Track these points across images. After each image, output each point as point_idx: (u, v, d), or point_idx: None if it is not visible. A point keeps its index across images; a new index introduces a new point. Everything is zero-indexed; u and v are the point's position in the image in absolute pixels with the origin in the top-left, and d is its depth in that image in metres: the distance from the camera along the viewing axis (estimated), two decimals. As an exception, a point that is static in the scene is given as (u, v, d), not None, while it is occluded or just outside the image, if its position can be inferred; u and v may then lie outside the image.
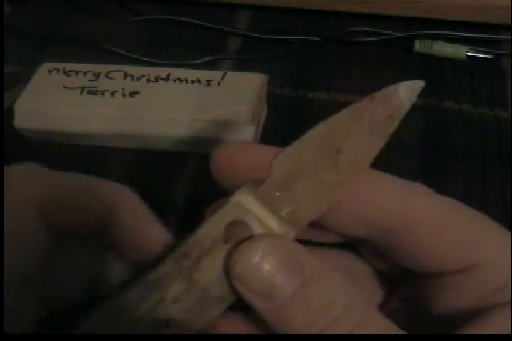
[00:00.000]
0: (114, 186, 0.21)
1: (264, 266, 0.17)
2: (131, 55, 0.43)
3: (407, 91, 0.18)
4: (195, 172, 0.37)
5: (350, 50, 0.45)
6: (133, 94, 0.36)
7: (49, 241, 0.21)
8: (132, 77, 0.37)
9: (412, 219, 0.19)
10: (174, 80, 0.37)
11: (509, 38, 0.44)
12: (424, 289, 0.20)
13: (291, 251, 0.18)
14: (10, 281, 0.19)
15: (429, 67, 0.43)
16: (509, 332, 0.17)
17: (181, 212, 0.34)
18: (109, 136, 0.37)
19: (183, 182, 0.36)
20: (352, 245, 0.22)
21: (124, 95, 0.36)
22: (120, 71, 0.38)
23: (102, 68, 0.38)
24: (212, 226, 0.18)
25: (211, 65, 0.43)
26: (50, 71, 0.38)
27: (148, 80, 0.37)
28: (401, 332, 0.17)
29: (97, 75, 0.37)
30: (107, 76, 0.37)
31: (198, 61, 0.43)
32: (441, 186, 0.35)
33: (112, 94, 0.36)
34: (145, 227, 0.20)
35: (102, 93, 0.36)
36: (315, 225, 0.19)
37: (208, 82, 0.37)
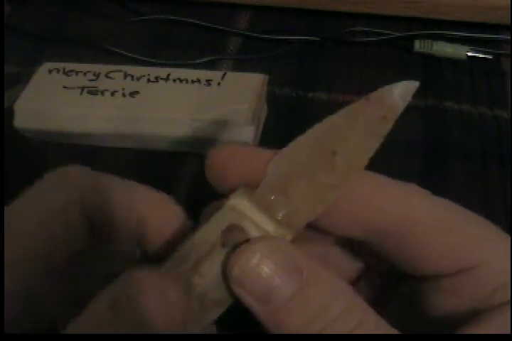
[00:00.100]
0: (152, 195, 0.21)
1: (263, 268, 0.17)
2: (131, 55, 0.43)
3: (401, 92, 0.18)
4: (195, 172, 0.37)
5: (350, 50, 0.45)
6: (133, 94, 0.36)
7: (85, 240, 0.21)
8: (132, 77, 0.37)
9: (408, 222, 0.19)
10: (174, 80, 0.37)
11: (509, 37, 0.44)
12: (421, 291, 0.20)
13: (289, 253, 0.18)
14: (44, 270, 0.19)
15: (429, 67, 0.43)
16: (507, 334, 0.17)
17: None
18: (109, 136, 0.37)
19: (183, 182, 0.36)
20: (349, 246, 0.22)
21: (124, 95, 0.36)
22: (120, 71, 0.38)
23: (102, 68, 0.38)
24: (209, 230, 0.18)
25: (211, 65, 0.43)
26: (50, 71, 0.38)
27: (148, 80, 0.37)
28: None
29: (97, 75, 0.37)
30: (107, 76, 0.37)
31: (198, 61, 0.43)
32: (441, 186, 0.36)
33: (112, 94, 0.36)
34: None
35: (102, 93, 0.36)
36: (311, 227, 0.19)
37: (208, 82, 0.37)
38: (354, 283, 0.23)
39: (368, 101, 0.18)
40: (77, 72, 0.38)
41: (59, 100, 0.36)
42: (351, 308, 0.17)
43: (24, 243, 0.19)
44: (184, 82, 0.37)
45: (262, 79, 0.37)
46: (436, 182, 0.36)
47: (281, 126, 0.39)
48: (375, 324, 0.17)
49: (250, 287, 0.17)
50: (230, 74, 0.37)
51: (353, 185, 0.19)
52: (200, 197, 0.34)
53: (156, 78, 0.37)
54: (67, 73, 0.38)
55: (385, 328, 0.17)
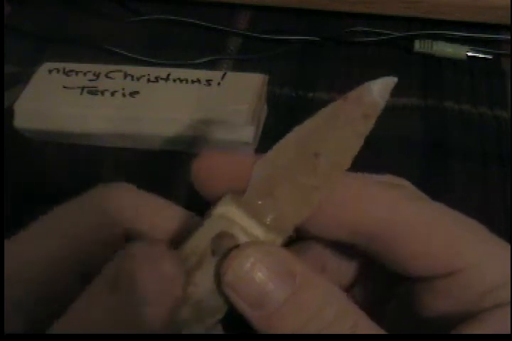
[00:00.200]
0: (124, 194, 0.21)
1: (256, 273, 0.17)
2: (131, 55, 0.43)
3: (379, 89, 0.18)
4: (195, 172, 0.37)
5: (350, 50, 0.45)
6: (133, 94, 0.36)
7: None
8: (132, 77, 0.37)
9: (393, 224, 0.18)
10: (174, 80, 0.37)
11: (509, 37, 0.44)
12: (414, 292, 0.20)
13: (282, 258, 0.18)
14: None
15: (429, 67, 0.43)
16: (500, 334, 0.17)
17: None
18: (109, 136, 0.37)
19: (183, 182, 0.36)
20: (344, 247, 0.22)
21: (124, 95, 0.36)
22: (120, 71, 0.38)
23: (102, 68, 0.38)
24: (199, 239, 0.18)
25: (211, 65, 0.43)
26: (50, 71, 0.38)
27: (148, 80, 0.37)
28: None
29: (97, 75, 0.37)
30: (107, 76, 0.37)
31: (198, 61, 0.43)
32: (441, 186, 0.36)
33: (112, 94, 0.36)
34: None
35: (102, 93, 0.36)
36: (300, 231, 0.19)
37: (208, 82, 0.37)
38: (352, 283, 0.23)
39: (346, 101, 0.18)
40: (77, 72, 0.38)
41: (59, 100, 0.36)
42: (344, 313, 0.17)
43: (28, 269, 0.19)
44: (184, 82, 0.37)
45: (262, 79, 0.37)
46: (436, 182, 0.36)
47: (281, 126, 0.39)
48: (368, 328, 0.17)
49: (244, 292, 0.17)
50: (230, 74, 0.37)
51: (338, 188, 0.18)
52: (200, 197, 0.34)
53: (156, 78, 0.37)
54: (67, 73, 0.38)
55: (377, 333, 0.17)
